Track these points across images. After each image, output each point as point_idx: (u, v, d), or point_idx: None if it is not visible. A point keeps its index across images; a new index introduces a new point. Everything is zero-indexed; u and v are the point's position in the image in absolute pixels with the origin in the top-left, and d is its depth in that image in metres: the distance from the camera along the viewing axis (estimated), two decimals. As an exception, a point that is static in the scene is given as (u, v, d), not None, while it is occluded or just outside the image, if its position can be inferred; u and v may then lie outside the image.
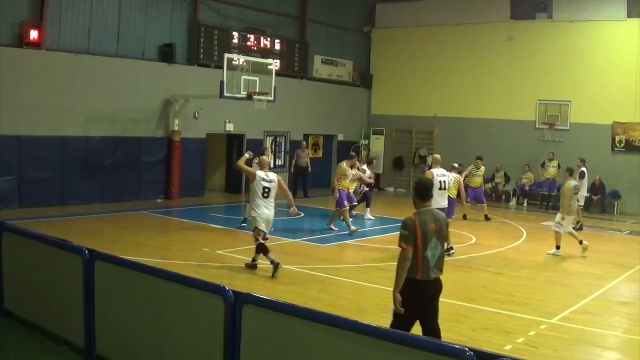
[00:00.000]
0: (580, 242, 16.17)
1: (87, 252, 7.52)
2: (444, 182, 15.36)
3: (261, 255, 13.12)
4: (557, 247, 16.23)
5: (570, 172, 16.75)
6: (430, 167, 15.72)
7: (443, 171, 15.71)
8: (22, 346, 8.20)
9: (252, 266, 13.44)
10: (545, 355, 8.91)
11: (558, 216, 16.36)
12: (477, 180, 22.36)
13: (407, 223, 7.33)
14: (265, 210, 13.10)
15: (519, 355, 8.07)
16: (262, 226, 13.14)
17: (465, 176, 21.70)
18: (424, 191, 7.61)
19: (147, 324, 6.93)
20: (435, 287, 7.44)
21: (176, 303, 6.58)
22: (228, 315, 5.90)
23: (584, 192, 21.49)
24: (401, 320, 7.12)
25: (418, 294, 7.27)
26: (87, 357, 7.50)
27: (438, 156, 16.43)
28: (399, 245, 7.26)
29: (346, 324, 5.39)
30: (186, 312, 6.46)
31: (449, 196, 16.12)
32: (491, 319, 10.48)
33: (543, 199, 25.94)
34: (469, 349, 4.59)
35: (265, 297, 6.03)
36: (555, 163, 25.24)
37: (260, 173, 13.27)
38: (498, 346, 8.95)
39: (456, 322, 10.23)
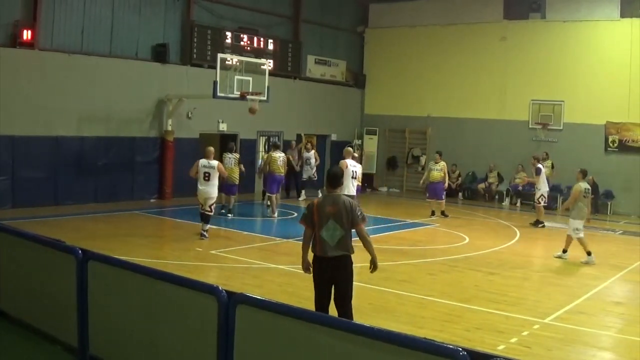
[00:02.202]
0: (589, 253, 15.49)
1: (80, 252, 7.50)
2: (356, 172, 16.92)
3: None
4: (588, 253, 15.44)
5: (584, 174, 16.10)
6: (344, 158, 17.30)
7: (354, 162, 17.26)
8: (15, 346, 8.19)
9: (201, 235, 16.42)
10: (539, 355, 8.92)
11: (570, 221, 15.71)
12: (436, 175, 22.30)
13: (308, 206, 8.52)
14: (204, 189, 16.15)
15: (513, 355, 8.09)
16: (201, 202, 16.31)
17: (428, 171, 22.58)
18: (332, 179, 8.62)
19: (140, 324, 6.92)
20: (336, 264, 8.29)
21: (170, 303, 6.56)
22: (221, 315, 5.89)
23: (544, 189, 21.52)
24: (314, 287, 8.42)
25: (319, 268, 8.32)
26: (80, 357, 7.48)
27: (350, 149, 18.13)
28: (300, 223, 8.57)
29: (340, 324, 5.40)
30: (180, 312, 6.45)
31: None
32: (484, 319, 10.49)
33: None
34: (462, 349, 4.60)
35: (259, 297, 6.02)
36: (549, 163, 25.26)
37: (202, 161, 16.34)
38: (491, 346, 8.96)
39: (449, 322, 10.27)
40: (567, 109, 26.56)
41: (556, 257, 15.84)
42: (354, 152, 19.08)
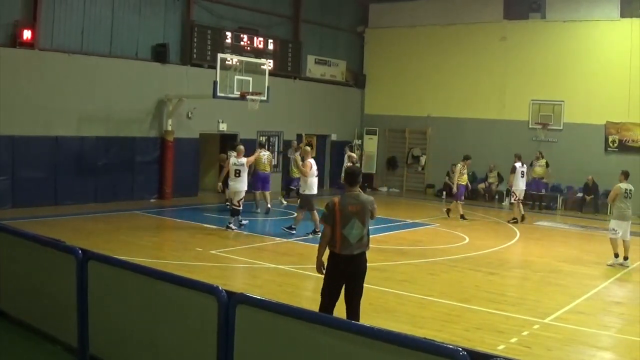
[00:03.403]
0: (616, 255, 15.32)
1: (80, 252, 7.50)
2: (316, 169, 17.86)
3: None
4: (616, 256, 15.29)
5: (626, 175, 15.81)
6: (304, 159, 17.93)
7: (314, 161, 18.09)
8: (15, 346, 8.19)
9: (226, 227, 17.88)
10: (539, 355, 8.92)
11: (610, 221, 15.59)
12: (466, 179, 22.35)
13: (328, 205, 8.40)
14: (234, 185, 17.74)
15: (513, 355, 8.09)
16: (231, 197, 18.01)
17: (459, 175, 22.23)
18: (350, 178, 8.62)
19: (140, 323, 6.92)
20: (357, 263, 8.40)
21: (170, 303, 6.56)
22: (221, 315, 5.89)
23: (519, 187, 21.98)
24: (327, 284, 8.47)
25: (337, 265, 8.34)
26: (80, 357, 7.48)
27: (308, 148, 19.10)
28: (320, 223, 8.54)
29: (339, 324, 5.40)
30: (180, 312, 6.45)
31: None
32: (484, 319, 10.49)
33: (535, 198, 25.98)
34: (462, 349, 4.59)
35: (259, 297, 6.02)
36: (542, 162, 25.35)
37: (233, 159, 17.98)
38: (491, 346, 8.97)
39: (449, 322, 10.27)
40: (567, 109, 26.56)
41: (609, 265, 15.32)
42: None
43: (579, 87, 26.18)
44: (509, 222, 21.69)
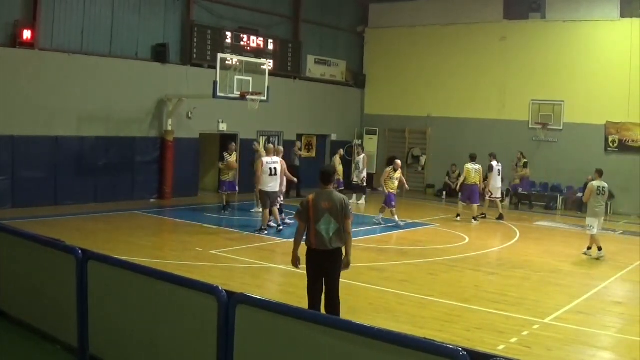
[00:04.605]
0: (599, 249, 15.99)
1: (80, 252, 7.50)
2: (275, 168, 17.48)
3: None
4: (598, 249, 16.06)
5: (600, 173, 16.36)
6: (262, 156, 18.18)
7: (275, 159, 17.74)
8: (15, 346, 8.19)
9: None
10: (539, 355, 8.92)
11: (586, 219, 16.40)
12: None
13: (302, 201, 8.97)
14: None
15: (513, 356, 8.09)
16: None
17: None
18: (323, 177, 9.00)
19: (140, 323, 6.91)
20: (334, 258, 8.82)
21: (169, 303, 6.56)
22: (221, 315, 5.89)
23: (496, 184, 22.39)
24: (309, 281, 8.96)
25: (314, 260, 8.80)
26: (80, 357, 7.48)
27: (271, 146, 19.11)
28: (295, 219, 9.18)
29: (339, 324, 5.39)
30: (180, 312, 6.45)
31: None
32: (484, 319, 10.49)
33: (523, 198, 26.04)
34: (462, 349, 4.59)
35: (259, 297, 6.01)
36: (522, 162, 25.43)
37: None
38: (491, 346, 8.96)
39: (449, 322, 10.27)
40: (567, 109, 26.57)
41: (584, 254, 16.37)
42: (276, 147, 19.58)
43: (579, 87, 26.18)
44: (479, 216, 21.89)
